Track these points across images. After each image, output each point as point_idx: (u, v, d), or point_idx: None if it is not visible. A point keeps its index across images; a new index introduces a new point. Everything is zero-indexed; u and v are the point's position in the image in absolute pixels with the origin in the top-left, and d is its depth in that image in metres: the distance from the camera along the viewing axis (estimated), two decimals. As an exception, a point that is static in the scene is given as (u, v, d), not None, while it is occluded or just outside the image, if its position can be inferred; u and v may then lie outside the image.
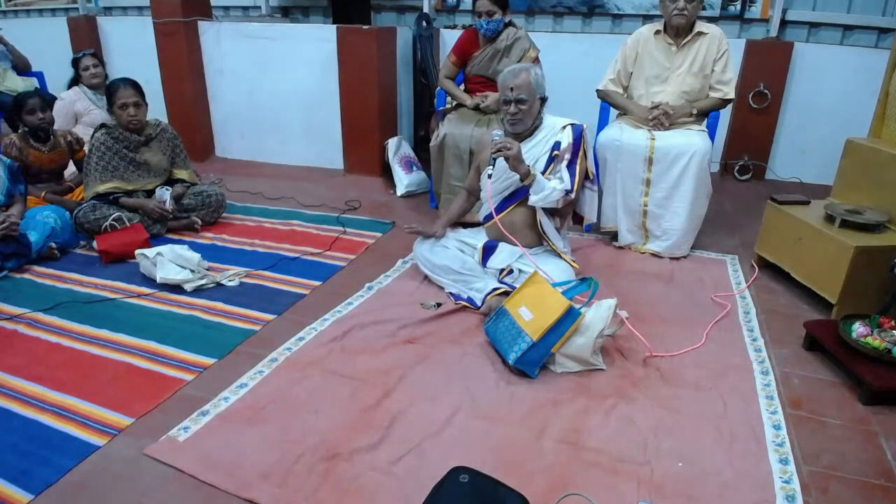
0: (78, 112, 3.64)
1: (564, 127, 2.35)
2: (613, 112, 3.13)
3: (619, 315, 2.01)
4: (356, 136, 4.07)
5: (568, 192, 2.30)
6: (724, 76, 2.79)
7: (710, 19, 3.85)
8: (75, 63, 3.68)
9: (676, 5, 2.68)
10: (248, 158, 4.53)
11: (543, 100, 2.36)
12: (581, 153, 2.34)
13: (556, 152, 2.32)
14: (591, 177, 2.49)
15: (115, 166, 2.93)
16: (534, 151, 2.36)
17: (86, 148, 3.04)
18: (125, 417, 1.65)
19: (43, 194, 3.01)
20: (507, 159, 2.21)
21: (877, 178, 2.41)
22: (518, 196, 2.36)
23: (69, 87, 3.71)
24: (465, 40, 3.25)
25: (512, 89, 2.26)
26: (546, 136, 2.36)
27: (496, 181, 2.34)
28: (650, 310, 2.33)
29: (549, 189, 2.25)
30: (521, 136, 2.37)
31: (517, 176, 2.27)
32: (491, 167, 2.26)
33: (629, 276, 2.66)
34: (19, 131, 3.02)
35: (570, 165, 2.32)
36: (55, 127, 3.16)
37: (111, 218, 2.83)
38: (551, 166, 2.33)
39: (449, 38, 4.24)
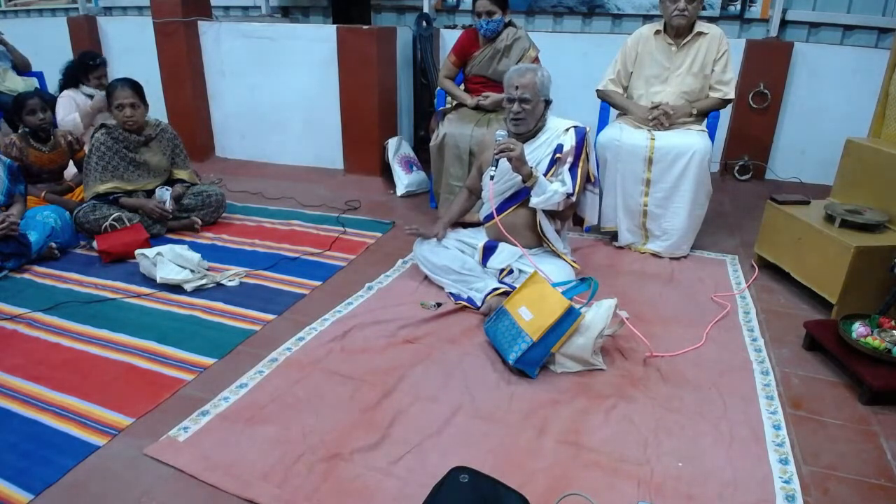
0: (79, 104, 3.64)
1: (567, 129, 2.35)
2: (613, 112, 3.13)
3: (620, 315, 2.01)
4: (356, 136, 4.07)
5: (569, 196, 2.30)
6: (724, 76, 2.79)
7: (710, 19, 3.85)
8: (87, 68, 3.64)
9: (677, 6, 2.67)
10: (248, 158, 4.52)
11: (548, 102, 2.36)
12: (583, 156, 2.34)
13: (558, 155, 2.32)
14: (593, 179, 2.49)
15: (114, 166, 2.93)
16: (536, 153, 2.36)
17: (86, 148, 3.05)
18: (125, 417, 1.65)
19: (43, 194, 3.01)
20: (509, 160, 2.21)
21: (877, 178, 2.41)
22: (519, 197, 2.36)
23: (65, 86, 3.68)
24: (464, 40, 3.25)
25: (517, 88, 2.26)
26: (549, 138, 2.36)
27: (498, 182, 2.33)
28: (650, 310, 2.33)
29: (551, 192, 2.25)
30: (524, 137, 2.37)
31: (519, 177, 2.27)
32: (493, 168, 2.25)
33: (629, 276, 2.66)
34: (19, 131, 3.02)
35: (572, 168, 2.32)
36: (74, 123, 3.15)
37: (111, 218, 2.83)
38: (553, 168, 2.33)
39: (449, 38, 4.24)
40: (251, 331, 2.14)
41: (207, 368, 1.91)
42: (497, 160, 2.23)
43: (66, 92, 3.65)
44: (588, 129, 2.38)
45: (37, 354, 1.97)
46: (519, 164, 2.21)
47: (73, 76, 3.68)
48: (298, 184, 3.97)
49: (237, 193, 3.74)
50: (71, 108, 3.58)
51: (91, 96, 3.66)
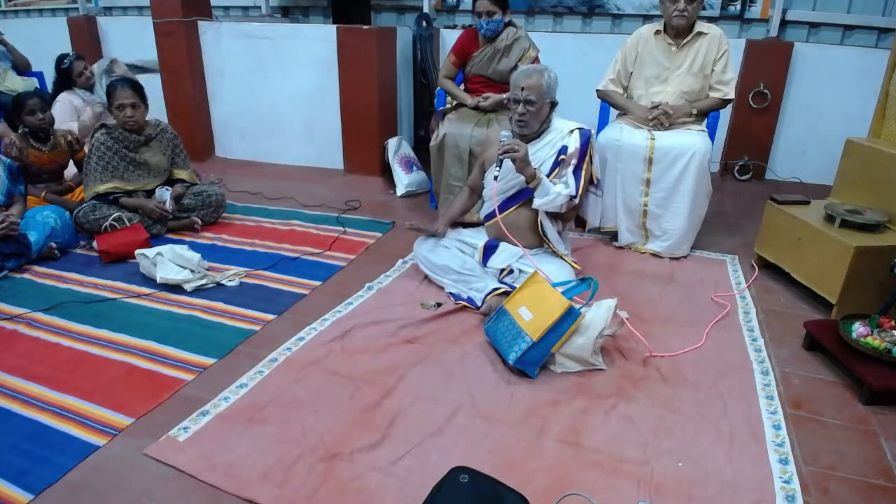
0: (77, 108, 3.64)
1: (572, 131, 2.34)
2: (613, 112, 3.13)
3: (620, 315, 2.01)
4: (356, 136, 4.07)
5: (572, 198, 2.29)
6: (724, 76, 2.79)
7: (710, 19, 3.85)
8: (67, 70, 3.64)
9: (677, 6, 2.67)
10: (248, 158, 4.53)
11: (553, 104, 2.35)
12: (587, 158, 2.34)
13: (562, 156, 2.32)
14: (596, 181, 2.49)
15: (114, 166, 2.93)
16: (540, 154, 2.35)
17: (86, 148, 3.05)
18: (125, 417, 1.65)
19: (43, 194, 3.01)
20: (513, 161, 2.21)
21: (877, 178, 2.41)
22: (521, 197, 2.36)
23: (57, 90, 3.68)
24: (464, 40, 3.25)
25: (523, 89, 2.25)
26: (553, 140, 2.36)
27: (501, 181, 2.33)
28: (650, 310, 2.33)
29: (554, 194, 2.25)
30: (529, 138, 2.36)
31: (522, 177, 2.27)
32: (497, 168, 2.25)
33: (629, 276, 2.66)
34: (19, 131, 3.02)
35: (576, 171, 2.32)
36: (63, 128, 3.16)
37: (111, 218, 2.83)
38: (557, 170, 2.33)
39: (449, 38, 4.24)
40: (251, 331, 2.14)
41: (207, 368, 1.91)
42: (501, 161, 2.23)
43: (62, 95, 3.65)
44: (593, 131, 2.38)
45: (37, 354, 1.97)
46: (523, 165, 2.21)
47: (63, 82, 3.68)
48: (298, 184, 3.97)
49: (237, 193, 3.74)
50: (66, 114, 3.56)
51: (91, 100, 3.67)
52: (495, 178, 2.27)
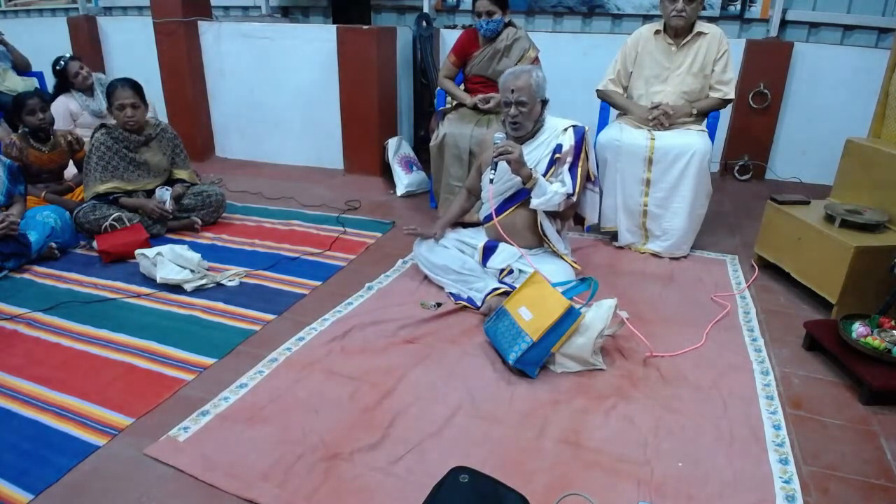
0: (73, 112, 3.65)
1: (566, 129, 2.34)
2: (613, 112, 3.13)
3: (620, 315, 2.01)
4: (356, 136, 4.07)
5: (569, 196, 2.29)
6: (724, 76, 2.79)
7: (710, 19, 3.85)
8: (62, 71, 3.64)
9: (675, 7, 2.67)
10: (248, 158, 4.53)
11: (544, 102, 2.35)
12: (583, 155, 2.34)
13: (557, 155, 2.32)
14: (593, 178, 2.49)
15: (114, 166, 2.93)
16: (535, 153, 2.35)
17: (86, 148, 3.05)
18: (125, 417, 1.65)
19: (43, 194, 3.01)
20: (508, 163, 2.20)
21: (877, 178, 2.41)
22: (519, 198, 2.36)
23: (56, 93, 3.69)
24: (464, 40, 3.25)
25: (513, 91, 2.25)
26: (548, 139, 2.36)
27: (497, 182, 2.33)
28: (650, 310, 2.33)
29: (551, 193, 2.25)
30: (523, 139, 2.36)
31: (519, 178, 2.27)
32: (492, 170, 2.25)
33: (629, 276, 2.66)
34: (19, 131, 3.02)
35: (572, 168, 2.32)
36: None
37: (111, 218, 2.83)
38: (552, 169, 2.32)
39: (449, 38, 4.24)
40: (251, 331, 2.14)
41: (207, 368, 1.91)
42: (496, 163, 2.23)
43: (60, 98, 3.65)
44: (587, 128, 2.38)
45: (37, 354, 1.97)
46: (518, 166, 2.21)
47: (62, 84, 3.68)
48: (298, 184, 3.97)
49: (237, 193, 3.74)
50: (61, 118, 3.55)
51: (88, 104, 3.67)
52: (491, 181, 2.27)
